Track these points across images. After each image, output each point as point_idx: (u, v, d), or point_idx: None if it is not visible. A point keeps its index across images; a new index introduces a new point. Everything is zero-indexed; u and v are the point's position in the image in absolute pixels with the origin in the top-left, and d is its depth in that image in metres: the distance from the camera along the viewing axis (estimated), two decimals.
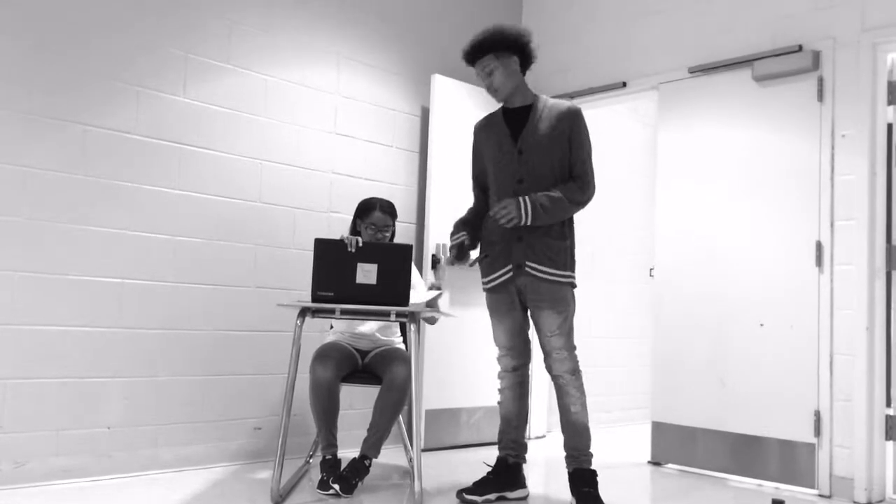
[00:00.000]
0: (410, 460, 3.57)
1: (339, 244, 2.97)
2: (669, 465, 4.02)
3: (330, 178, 4.01)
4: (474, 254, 4.16)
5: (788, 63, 3.63)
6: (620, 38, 4.46)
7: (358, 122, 4.14)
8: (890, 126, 3.48)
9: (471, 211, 3.24)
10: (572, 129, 3.01)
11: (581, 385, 3.00)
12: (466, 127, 4.43)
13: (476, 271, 4.41)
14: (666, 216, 4.10)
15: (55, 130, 3.13)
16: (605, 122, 5.67)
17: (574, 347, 3.00)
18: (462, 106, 4.42)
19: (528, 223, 2.93)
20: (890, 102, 3.47)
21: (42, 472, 3.05)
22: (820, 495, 3.44)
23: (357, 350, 3.40)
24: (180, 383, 3.45)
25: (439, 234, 4.27)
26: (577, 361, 3.01)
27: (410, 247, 2.99)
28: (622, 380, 5.70)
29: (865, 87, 3.44)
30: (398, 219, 4.12)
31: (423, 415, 4.14)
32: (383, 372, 3.20)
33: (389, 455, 3.93)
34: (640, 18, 4.37)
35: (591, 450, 3.02)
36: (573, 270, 3.03)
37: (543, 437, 4.81)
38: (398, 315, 2.95)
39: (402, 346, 3.51)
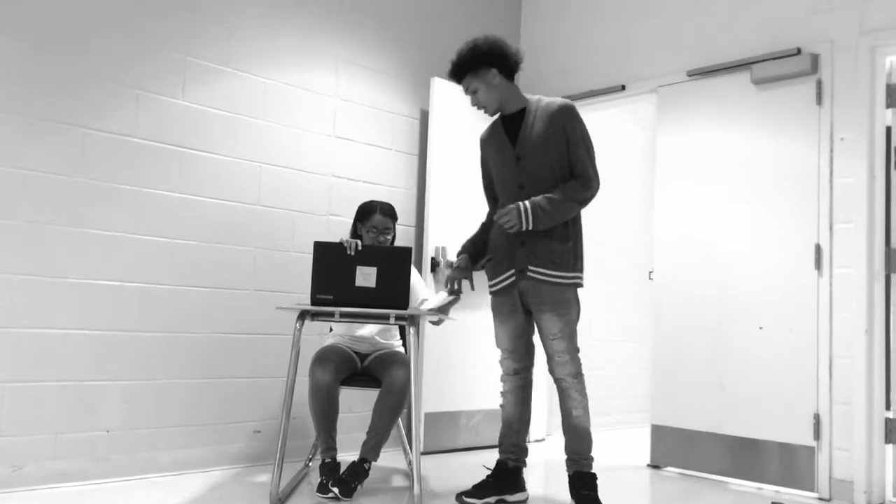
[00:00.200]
0: (410, 463, 3.56)
1: (338, 247, 2.97)
2: (669, 469, 4.02)
3: (329, 181, 4.01)
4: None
5: (787, 66, 3.64)
6: (619, 41, 4.46)
7: (357, 125, 4.15)
8: (889, 129, 3.48)
9: (483, 225, 3.25)
10: (566, 126, 2.99)
11: (583, 389, 3.00)
12: (466, 130, 4.43)
13: (475, 275, 4.41)
14: (665, 219, 4.11)
15: (55, 133, 3.13)
16: (604, 125, 5.67)
17: (577, 351, 3.00)
18: (461, 109, 4.42)
19: (530, 227, 2.92)
20: (889, 105, 3.47)
21: (40, 476, 3.04)
22: (820, 499, 3.44)
23: (356, 353, 3.40)
24: (179, 386, 3.45)
25: (439, 237, 4.27)
26: (580, 365, 3.01)
27: (410, 250, 2.99)
28: (622, 382, 5.70)
29: (864, 90, 3.45)
30: (397, 221, 4.12)
31: (422, 418, 4.14)
32: (382, 375, 3.19)
33: (389, 458, 3.93)
34: (638, 21, 4.38)
35: (592, 453, 3.01)
36: (579, 270, 3.01)
37: (543, 440, 4.81)
38: (397, 318, 2.95)
39: (402, 350, 3.51)
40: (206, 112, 3.57)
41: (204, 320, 3.53)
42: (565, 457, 3.03)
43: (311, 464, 3.62)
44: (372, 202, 3.39)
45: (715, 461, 3.79)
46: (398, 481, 3.42)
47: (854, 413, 3.38)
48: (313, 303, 2.94)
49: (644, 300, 5.87)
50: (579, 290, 3.08)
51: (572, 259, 2.99)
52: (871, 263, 3.41)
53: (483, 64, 3.01)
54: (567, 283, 2.97)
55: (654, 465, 4.06)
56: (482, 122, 4.35)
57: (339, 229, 4.03)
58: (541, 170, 2.98)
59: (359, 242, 2.98)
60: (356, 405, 4.07)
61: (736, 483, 3.72)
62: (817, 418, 3.47)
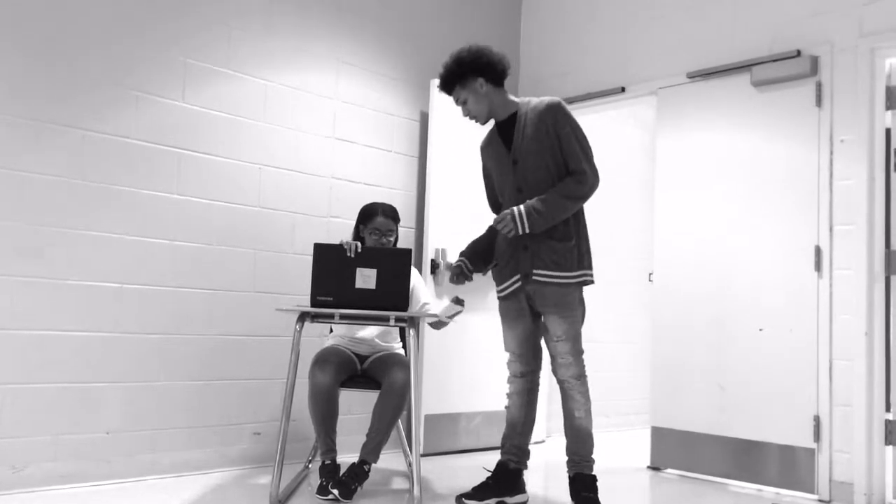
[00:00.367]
0: (409, 465, 3.56)
1: (338, 249, 2.97)
2: (669, 470, 4.02)
3: (329, 183, 4.02)
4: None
5: (787, 68, 3.64)
6: (619, 43, 4.47)
7: (357, 127, 4.15)
8: (888, 131, 3.48)
9: (490, 229, 3.25)
10: (556, 123, 2.98)
11: (586, 391, 3.00)
12: (465, 132, 4.43)
13: (476, 277, 4.41)
14: (665, 221, 4.11)
15: (55, 135, 3.13)
16: (603, 127, 5.67)
17: (581, 352, 3.00)
18: (461, 111, 4.42)
19: (527, 230, 2.93)
20: (888, 107, 3.48)
21: (40, 478, 3.04)
22: (820, 500, 3.44)
23: (356, 355, 3.40)
24: (179, 388, 3.45)
25: (439, 239, 4.27)
26: (584, 367, 3.01)
27: (410, 251, 2.99)
28: (622, 384, 5.70)
29: (864, 92, 3.45)
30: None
31: (422, 420, 4.14)
32: (382, 377, 3.20)
33: (388, 460, 3.93)
34: (638, 23, 4.38)
35: (593, 455, 3.02)
36: (586, 268, 3.00)
37: (543, 441, 4.81)
38: (397, 320, 2.95)
39: (402, 352, 3.51)
40: (206, 114, 3.58)
41: (204, 322, 3.53)
42: (566, 458, 3.03)
43: (310, 465, 3.62)
44: (374, 204, 3.39)
45: (715, 463, 3.79)
46: (398, 483, 3.42)
47: (854, 415, 3.38)
48: (313, 304, 2.94)
49: (644, 302, 5.87)
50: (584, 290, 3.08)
51: (576, 257, 2.98)
52: (871, 265, 3.41)
53: (470, 74, 3.02)
54: (571, 283, 2.97)
55: (655, 467, 4.06)
56: None
57: (338, 231, 4.04)
58: (537, 171, 2.98)
59: (359, 244, 2.99)
60: (356, 407, 4.07)
61: (736, 485, 3.72)
62: (817, 420, 3.47)
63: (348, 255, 2.96)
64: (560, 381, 3.02)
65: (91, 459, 3.17)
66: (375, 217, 3.34)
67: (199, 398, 3.51)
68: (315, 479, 3.36)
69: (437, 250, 4.25)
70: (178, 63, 3.49)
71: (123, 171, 3.31)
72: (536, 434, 4.75)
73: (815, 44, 3.63)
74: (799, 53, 3.65)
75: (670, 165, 4.12)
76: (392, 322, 2.94)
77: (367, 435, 3.10)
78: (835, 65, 3.55)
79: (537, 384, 3.17)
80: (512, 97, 3.11)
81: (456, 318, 4.04)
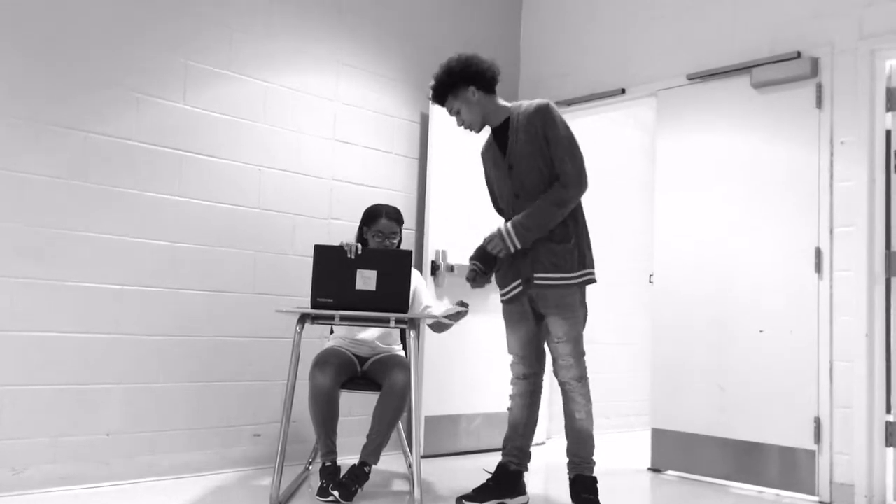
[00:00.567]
0: (410, 467, 3.56)
1: (338, 250, 2.97)
2: (669, 472, 4.02)
3: (330, 185, 4.02)
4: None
5: (787, 70, 3.64)
6: (619, 45, 4.47)
7: (357, 129, 4.15)
8: (889, 132, 3.49)
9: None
10: (544, 126, 2.97)
11: (587, 393, 3.00)
12: (465, 133, 4.43)
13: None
14: (665, 223, 4.11)
15: (56, 137, 3.13)
16: (604, 129, 5.68)
17: (582, 354, 3.00)
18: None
19: (518, 246, 2.95)
20: (888, 109, 3.48)
21: (40, 479, 3.04)
22: (821, 502, 3.43)
23: (356, 356, 3.40)
24: (179, 390, 3.44)
25: (439, 241, 4.27)
26: (585, 369, 3.01)
27: (410, 253, 2.99)
28: (622, 386, 5.70)
29: (864, 93, 3.45)
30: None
31: (422, 421, 4.14)
32: (382, 378, 3.19)
33: (389, 462, 3.93)
34: (639, 24, 4.38)
35: (594, 457, 3.01)
36: (586, 267, 3.00)
37: (543, 443, 4.81)
38: (397, 321, 2.95)
39: (402, 353, 3.51)
40: (206, 116, 3.58)
41: (204, 323, 3.53)
42: (567, 460, 3.03)
43: (311, 467, 3.62)
44: (378, 206, 3.39)
45: (715, 465, 3.79)
46: (398, 485, 3.42)
47: (855, 416, 3.37)
48: (313, 306, 2.94)
49: (644, 303, 5.87)
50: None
51: (576, 257, 2.98)
52: (872, 267, 3.41)
53: (461, 83, 3.02)
54: (572, 284, 2.96)
55: (655, 469, 4.06)
56: None
57: (339, 232, 4.04)
58: (532, 176, 2.99)
59: (359, 246, 2.99)
60: (356, 408, 4.07)
61: (736, 487, 3.72)
62: (818, 422, 3.47)
63: (348, 256, 2.96)
64: (561, 383, 3.02)
65: (91, 461, 3.17)
66: (379, 219, 3.34)
67: (200, 400, 3.51)
68: (315, 481, 3.36)
69: (437, 252, 4.25)
70: (179, 65, 3.49)
71: (124, 172, 3.31)
72: (537, 436, 4.75)
73: (815, 45, 3.63)
74: (799, 55, 3.65)
75: (670, 167, 4.12)
76: (392, 324, 2.94)
77: (368, 436, 3.10)
78: (835, 66, 3.55)
79: (540, 387, 3.17)
80: (503, 102, 3.11)
81: (460, 321, 4.04)
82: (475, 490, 3.05)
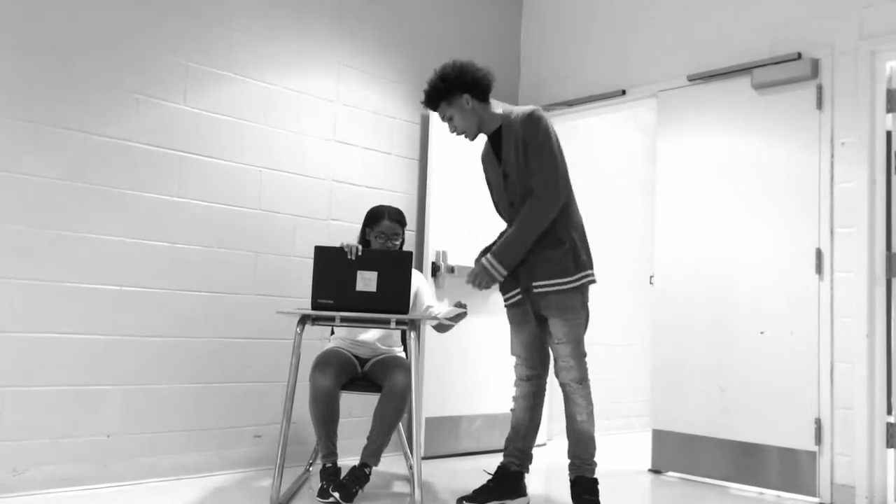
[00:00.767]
0: (410, 468, 3.56)
1: (338, 252, 2.97)
2: (670, 473, 4.01)
3: (330, 186, 4.02)
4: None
5: (787, 71, 3.64)
6: (619, 46, 4.47)
7: (358, 130, 4.15)
8: (889, 133, 3.49)
9: (500, 235, 3.25)
10: (525, 136, 2.97)
11: (588, 394, 3.00)
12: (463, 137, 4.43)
13: None
14: (666, 224, 4.11)
15: (56, 138, 3.13)
16: (604, 130, 5.68)
17: (583, 356, 3.00)
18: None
19: (504, 272, 2.96)
20: (889, 110, 3.48)
21: (40, 480, 3.04)
22: (821, 503, 3.43)
23: (357, 357, 3.39)
24: (179, 391, 3.44)
25: (439, 242, 4.27)
26: (586, 370, 3.01)
27: (410, 254, 2.99)
28: (622, 387, 5.70)
29: (864, 94, 3.45)
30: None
31: (423, 423, 4.13)
32: (383, 379, 3.19)
33: (389, 463, 3.92)
34: (639, 25, 4.39)
35: (595, 459, 3.01)
36: (583, 269, 2.99)
37: (544, 444, 4.80)
38: (398, 322, 2.95)
39: (403, 355, 3.51)
40: (207, 117, 3.58)
41: (204, 325, 3.53)
42: (567, 461, 3.03)
43: (311, 468, 3.62)
44: (380, 207, 3.39)
45: (716, 466, 3.78)
46: (399, 486, 3.42)
47: (855, 417, 3.37)
48: (314, 307, 2.94)
49: (644, 304, 5.87)
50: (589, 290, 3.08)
51: (572, 261, 2.98)
52: (872, 268, 3.40)
53: (455, 90, 3.02)
54: (571, 287, 2.96)
55: (656, 470, 4.06)
56: None
57: (339, 233, 4.04)
58: (524, 184, 2.99)
59: (359, 247, 2.99)
60: (356, 410, 4.07)
61: (737, 488, 3.71)
62: (818, 423, 3.47)
63: (349, 257, 2.96)
64: (562, 385, 3.02)
65: (91, 462, 3.17)
66: (382, 220, 3.34)
67: (199, 401, 3.51)
68: (316, 483, 3.36)
69: (437, 253, 4.25)
70: (180, 66, 3.49)
71: (125, 173, 3.31)
72: (538, 437, 4.74)
73: (815, 46, 3.63)
74: (799, 56, 3.65)
75: (671, 168, 4.12)
76: (393, 325, 2.94)
77: (368, 438, 3.10)
78: (835, 67, 3.55)
79: (543, 389, 3.17)
80: (496, 110, 3.10)
81: (460, 322, 4.04)
82: (475, 491, 3.05)
